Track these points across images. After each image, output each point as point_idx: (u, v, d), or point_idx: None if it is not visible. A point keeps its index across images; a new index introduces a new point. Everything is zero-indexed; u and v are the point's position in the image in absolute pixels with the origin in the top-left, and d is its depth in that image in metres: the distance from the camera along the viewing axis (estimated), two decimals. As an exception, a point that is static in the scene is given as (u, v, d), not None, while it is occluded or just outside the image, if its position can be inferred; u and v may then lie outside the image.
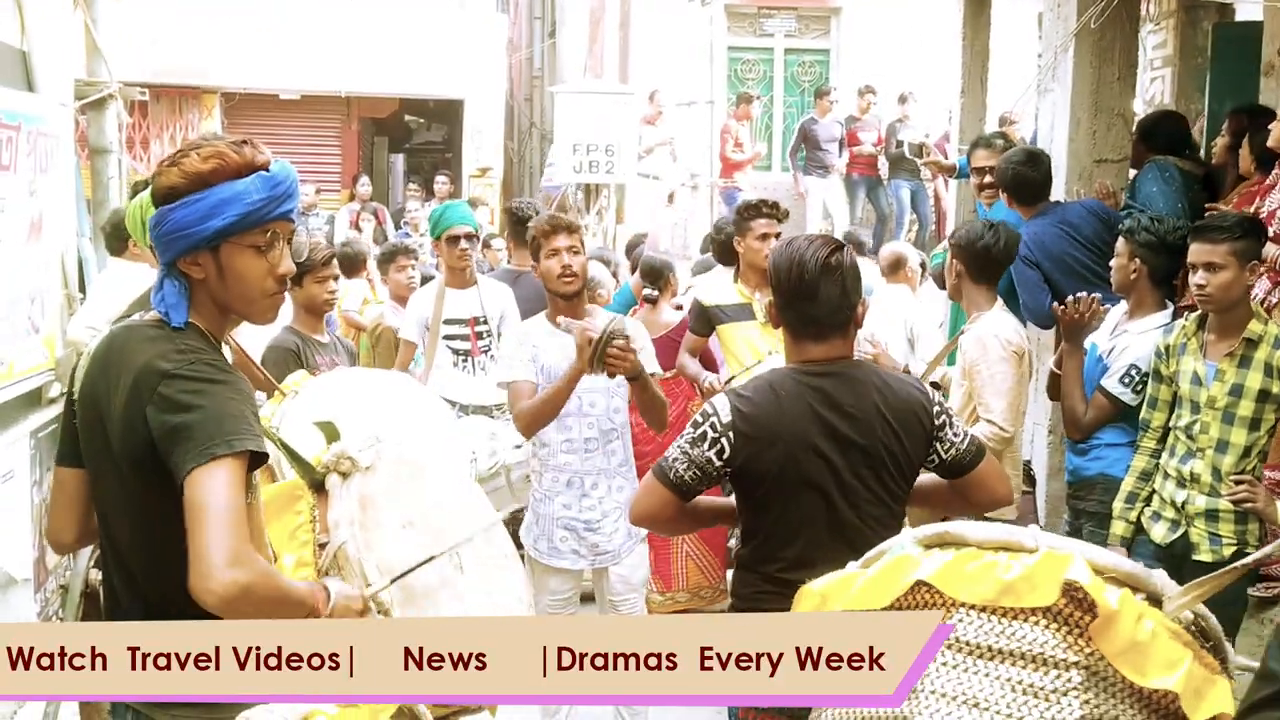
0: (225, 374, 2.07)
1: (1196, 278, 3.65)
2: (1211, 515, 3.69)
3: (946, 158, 7.88)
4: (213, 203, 2.07)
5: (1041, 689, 1.73)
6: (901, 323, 6.56)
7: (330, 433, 2.70)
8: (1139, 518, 3.90)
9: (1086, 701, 1.71)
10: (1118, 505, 3.94)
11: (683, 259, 9.66)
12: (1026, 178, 4.98)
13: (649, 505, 2.72)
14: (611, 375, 3.80)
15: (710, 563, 5.91)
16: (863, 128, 13.01)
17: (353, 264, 7.42)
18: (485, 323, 5.44)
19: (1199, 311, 3.78)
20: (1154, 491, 3.88)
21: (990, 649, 1.78)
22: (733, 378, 5.12)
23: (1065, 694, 1.72)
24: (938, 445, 2.72)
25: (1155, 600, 1.82)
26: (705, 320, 5.33)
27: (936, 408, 2.74)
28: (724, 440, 2.61)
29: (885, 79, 13.68)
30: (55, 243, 5.17)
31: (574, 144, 11.35)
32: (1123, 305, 4.20)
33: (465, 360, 5.47)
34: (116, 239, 5.58)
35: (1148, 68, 7.54)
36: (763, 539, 2.71)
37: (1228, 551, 3.66)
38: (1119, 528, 3.92)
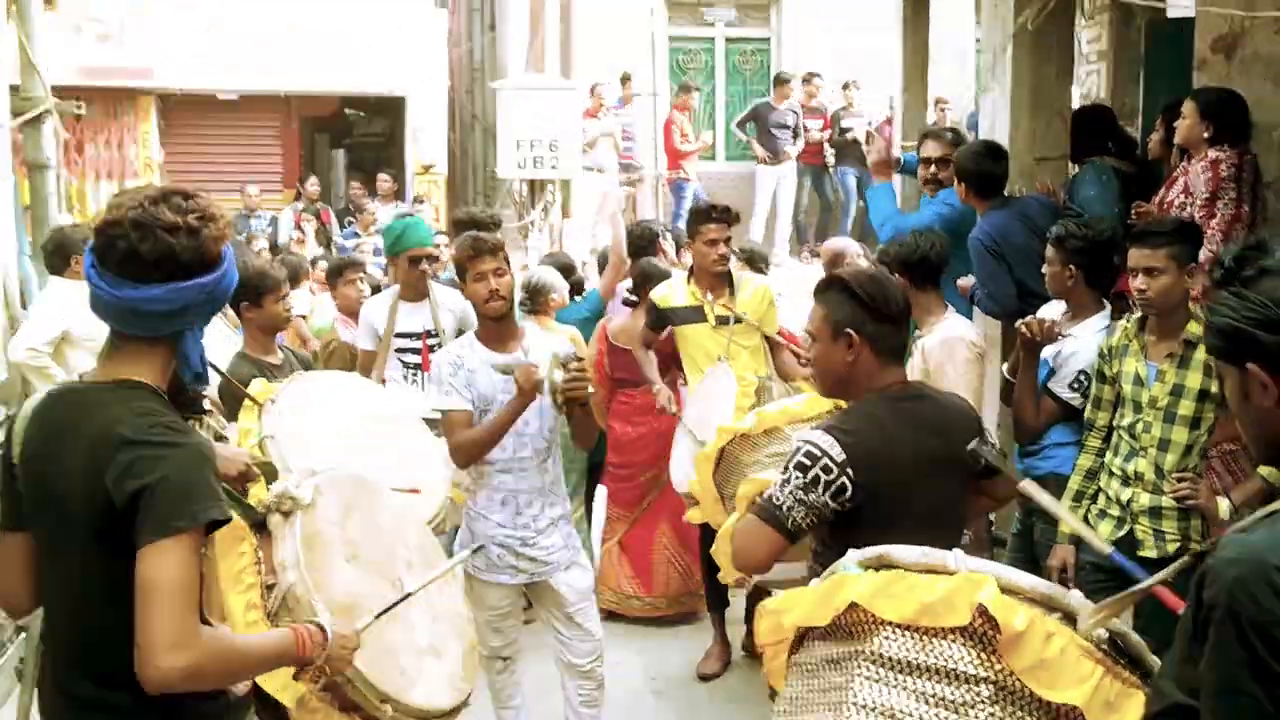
0: (184, 436, 2.05)
1: (1137, 282, 3.73)
2: (1155, 512, 3.79)
3: (890, 148, 7.96)
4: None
5: (953, 702, 1.84)
6: None
7: (269, 472, 2.73)
8: (1086, 515, 3.99)
9: (992, 714, 1.82)
10: (1065, 503, 4.02)
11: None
12: (989, 171, 5.06)
13: (761, 552, 2.65)
14: (570, 404, 3.82)
15: (690, 568, 5.89)
16: (809, 116, 13.13)
17: (295, 274, 7.36)
18: (437, 335, 5.43)
19: (1139, 313, 3.87)
20: (1100, 489, 3.97)
21: (910, 664, 1.89)
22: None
23: (974, 706, 1.83)
24: (984, 455, 2.83)
25: (1071, 617, 1.92)
26: (660, 318, 5.38)
27: (978, 419, 2.89)
28: (843, 479, 2.57)
29: (826, 67, 13.80)
30: (-6, 266, 5.10)
31: (517, 140, 11.34)
32: (1061, 305, 4.29)
33: (417, 373, 5.46)
34: (58, 257, 5.51)
35: (1083, 62, 7.66)
36: None
37: (1172, 547, 3.77)
38: (1067, 526, 4.01)
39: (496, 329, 4.03)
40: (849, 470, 2.56)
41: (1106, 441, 3.98)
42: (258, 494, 2.74)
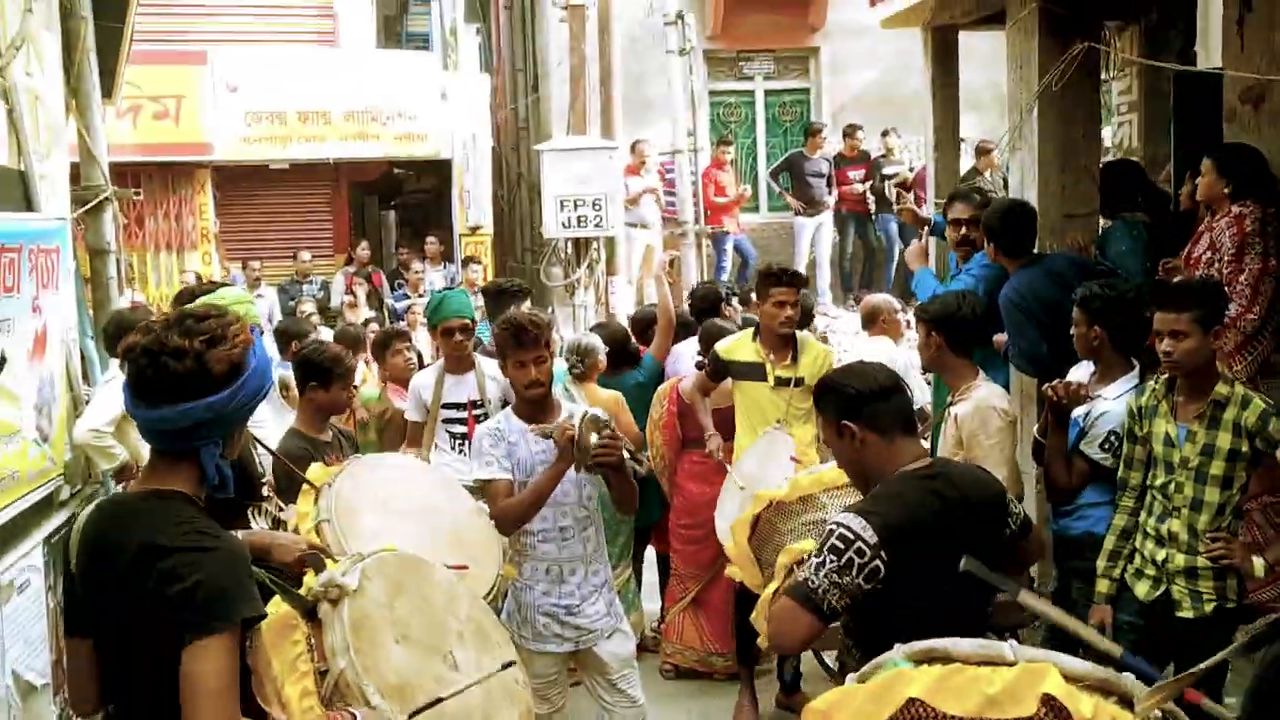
0: (218, 540, 2.19)
1: (1163, 345, 3.78)
2: (1191, 573, 3.82)
3: (924, 200, 8.04)
4: (261, 368, 2.26)
5: None
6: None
7: (317, 565, 2.85)
8: (1122, 575, 4.03)
9: None
10: (1101, 563, 4.06)
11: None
12: (1016, 229, 5.12)
13: (797, 635, 2.71)
14: (599, 470, 3.93)
15: (728, 630, 5.88)
16: (851, 166, 13.29)
17: (354, 346, 7.56)
18: (483, 406, 5.56)
19: (1168, 374, 3.91)
20: (1135, 549, 4.01)
21: None
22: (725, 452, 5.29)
23: None
24: (1010, 520, 2.95)
25: (1127, 700, 1.96)
26: (721, 370, 5.53)
27: (1003, 492, 2.96)
28: (877, 562, 2.63)
29: (866, 115, 13.93)
30: (58, 351, 5.30)
31: (560, 200, 11.54)
32: (1090, 365, 4.34)
33: (464, 443, 5.59)
34: (117, 340, 5.73)
35: (1115, 112, 7.72)
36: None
37: (1208, 607, 3.79)
38: (1103, 586, 4.04)
39: (533, 408, 4.16)
40: (882, 553, 2.63)
41: (1140, 501, 4.02)
42: (309, 582, 2.86)
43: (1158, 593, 3.90)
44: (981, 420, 4.11)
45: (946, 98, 7.39)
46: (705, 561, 5.95)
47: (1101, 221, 5.68)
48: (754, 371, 5.40)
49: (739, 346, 5.49)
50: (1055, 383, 4.13)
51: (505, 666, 3.05)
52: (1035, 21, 5.43)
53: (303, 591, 2.79)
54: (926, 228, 6.52)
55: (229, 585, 2.12)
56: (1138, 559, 3.99)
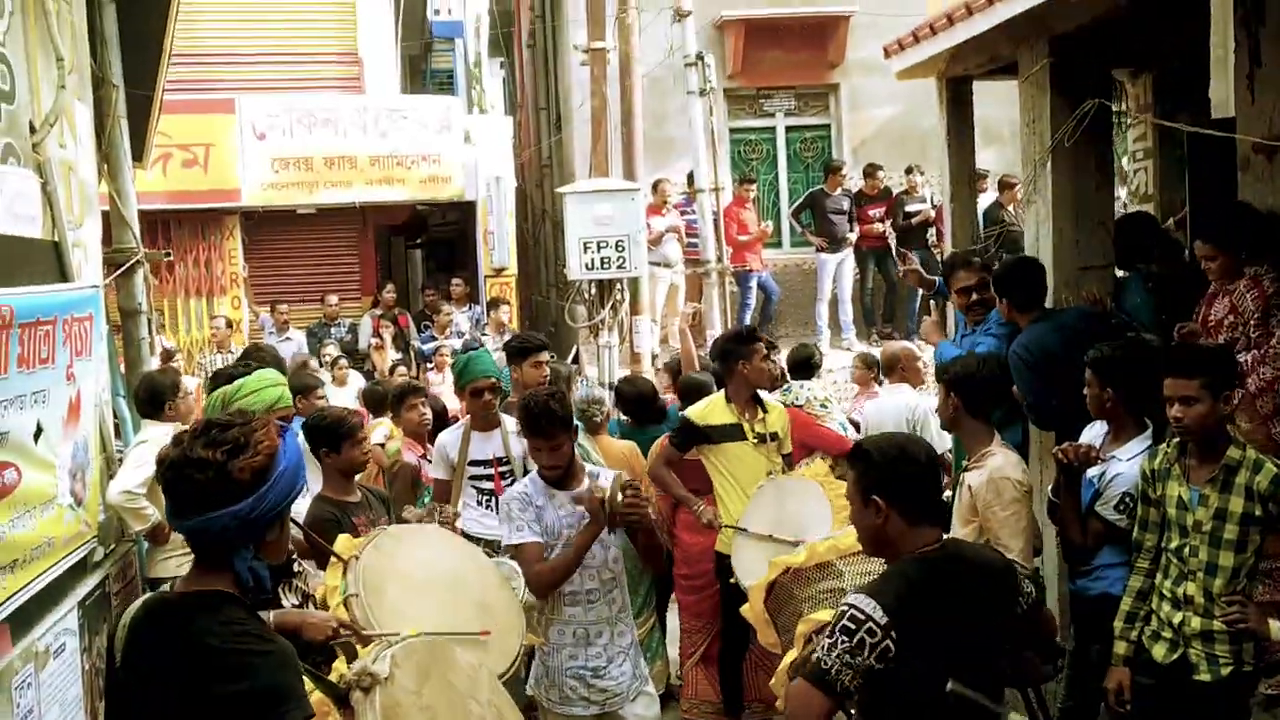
0: (267, 643, 2.27)
1: (1173, 410, 3.82)
2: (1207, 636, 3.83)
3: (944, 235, 8.05)
4: (290, 470, 2.33)
5: None
6: (903, 422, 6.75)
7: (349, 651, 2.92)
8: (1139, 637, 4.05)
9: None
10: (1118, 625, 4.08)
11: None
12: (1026, 285, 5.17)
13: (812, 713, 2.76)
14: (628, 527, 4.03)
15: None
16: (871, 205, 13.37)
17: (380, 402, 7.67)
18: (508, 463, 5.66)
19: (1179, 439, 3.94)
20: (1152, 611, 4.03)
21: None
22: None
23: None
24: (1020, 599, 3.03)
25: None
26: (691, 436, 5.61)
27: (1015, 573, 3.04)
28: (888, 642, 2.71)
29: (886, 149, 14.01)
30: (92, 415, 5.42)
31: (584, 243, 11.64)
32: (1103, 426, 4.38)
33: (490, 499, 5.68)
34: (150, 404, 5.86)
35: (1131, 158, 7.74)
36: None
37: (1225, 670, 3.80)
38: (1121, 648, 4.06)
39: (556, 479, 4.28)
40: (892, 634, 2.70)
41: (1155, 562, 4.04)
42: (339, 668, 2.95)
43: (1175, 655, 3.91)
44: (996, 491, 4.13)
45: (961, 144, 7.46)
46: (707, 612, 6.04)
47: (1118, 273, 5.72)
48: (734, 431, 5.52)
49: (712, 411, 5.61)
50: (1065, 445, 4.17)
51: None
52: (1046, 77, 5.50)
53: (335, 679, 2.87)
54: (931, 291, 6.57)
55: (281, 687, 2.21)
56: (1154, 621, 4.01)
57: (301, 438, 5.14)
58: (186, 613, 2.31)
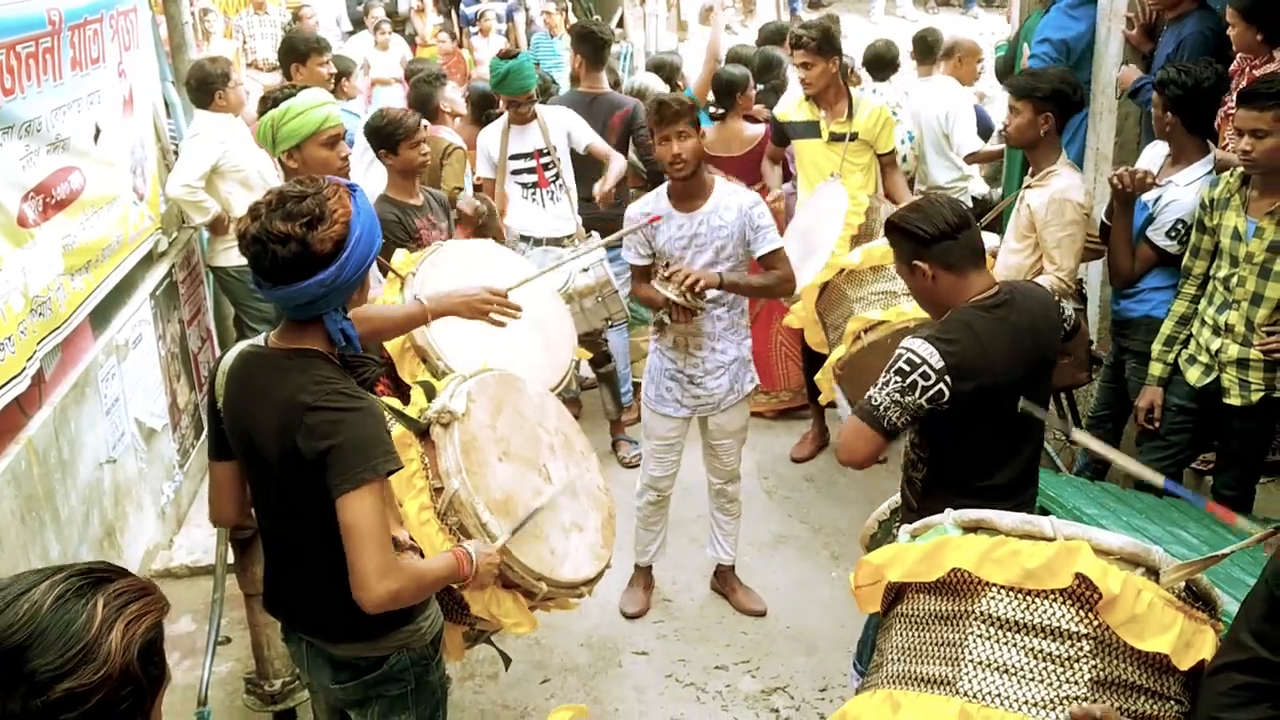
0: (358, 400, 2.38)
1: (1242, 143, 3.74)
2: (1243, 363, 3.94)
3: None
4: (365, 234, 2.41)
5: (1059, 656, 2.05)
6: (944, 117, 6.61)
7: (428, 390, 3.09)
8: (1176, 359, 4.17)
9: (1095, 665, 2.04)
10: (1156, 347, 4.19)
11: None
12: None
13: (863, 450, 2.91)
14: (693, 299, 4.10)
15: (771, 374, 6.41)
16: None
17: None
18: (548, 154, 5.67)
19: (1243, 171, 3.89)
20: (1191, 335, 4.13)
21: (1018, 623, 2.09)
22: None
23: (1078, 660, 2.04)
24: (1064, 325, 3.13)
25: (1154, 570, 2.10)
26: (780, 132, 5.81)
27: (1054, 301, 3.12)
28: (941, 385, 2.81)
29: None
30: (145, 109, 5.43)
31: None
32: (1163, 147, 4.31)
33: (534, 192, 5.73)
34: (201, 92, 5.83)
35: None
36: (963, 467, 2.97)
37: (1256, 396, 3.94)
38: (1156, 369, 4.20)
39: (683, 187, 4.17)
40: (947, 378, 2.80)
41: (1201, 290, 4.09)
42: (418, 402, 3.11)
43: (1209, 380, 4.04)
44: (1057, 210, 4.11)
45: None
46: None
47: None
48: (808, 129, 5.59)
49: (791, 107, 5.70)
50: (1121, 170, 4.12)
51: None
52: None
53: (414, 414, 3.05)
54: None
55: (372, 441, 2.34)
56: (1192, 345, 4.11)
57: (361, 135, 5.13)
58: (283, 369, 2.42)
